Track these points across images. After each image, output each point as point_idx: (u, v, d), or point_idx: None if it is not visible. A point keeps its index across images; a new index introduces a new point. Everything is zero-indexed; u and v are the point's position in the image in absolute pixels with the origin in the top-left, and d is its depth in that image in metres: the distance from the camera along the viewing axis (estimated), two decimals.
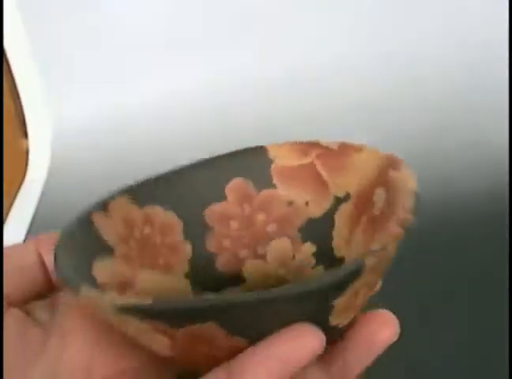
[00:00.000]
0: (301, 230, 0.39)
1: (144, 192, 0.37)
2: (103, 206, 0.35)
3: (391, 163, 0.36)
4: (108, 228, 0.34)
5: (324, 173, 0.38)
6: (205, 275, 0.37)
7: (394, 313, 0.31)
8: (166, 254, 0.37)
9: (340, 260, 0.37)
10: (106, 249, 0.34)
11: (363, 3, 0.68)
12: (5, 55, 0.95)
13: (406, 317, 0.58)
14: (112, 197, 0.36)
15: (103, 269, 0.33)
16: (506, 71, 0.56)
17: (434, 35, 0.61)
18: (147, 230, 0.36)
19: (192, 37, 0.87)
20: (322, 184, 0.38)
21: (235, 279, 0.38)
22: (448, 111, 0.58)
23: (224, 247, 0.38)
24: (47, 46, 0.88)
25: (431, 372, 0.57)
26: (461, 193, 0.57)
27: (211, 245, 0.38)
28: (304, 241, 0.38)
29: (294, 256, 0.39)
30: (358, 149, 0.37)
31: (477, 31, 0.54)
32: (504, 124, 0.56)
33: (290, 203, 0.38)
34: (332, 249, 0.38)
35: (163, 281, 0.36)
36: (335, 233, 0.38)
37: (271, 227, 0.39)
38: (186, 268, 0.37)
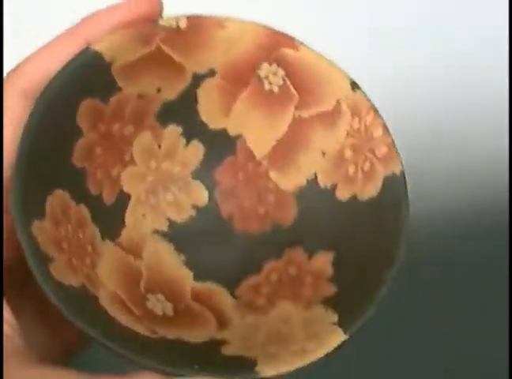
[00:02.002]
0: (158, 115, 0.37)
1: None
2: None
3: (281, 42, 0.37)
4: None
5: (175, 55, 0.36)
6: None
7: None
8: None
9: (220, 131, 0.38)
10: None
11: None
12: None
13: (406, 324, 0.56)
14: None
15: None
16: (506, 71, 0.54)
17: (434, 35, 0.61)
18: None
19: None
20: (174, 65, 0.36)
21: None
22: (447, 112, 0.56)
23: (98, 180, 0.36)
24: None
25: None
26: (459, 198, 0.53)
27: (91, 186, 0.36)
28: (165, 125, 0.38)
29: (160, 145, 0.38)
30: (220, 25, 0.36)
31: (477, 31, 0.52)
32: (504, 124, 0.54)
33: (140, 96, 0.36)
34: (203, 123, 0.38)
35: None
36: (201, 108, 0.38)
37: (128, 130, 0.37)
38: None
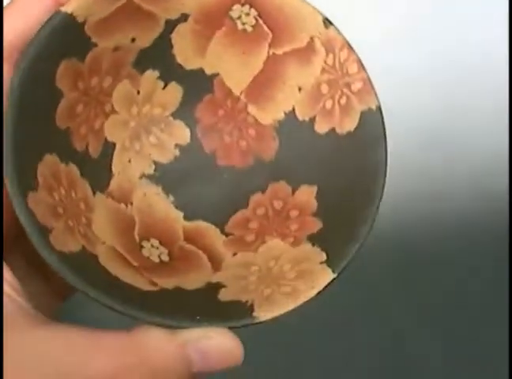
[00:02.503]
0: (134, 63, 0.38)
1: None
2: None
3: None
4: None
5: (146, 4, 0.36)
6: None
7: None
8: None
9: (196, 71, 0.39)
10: None
11: None
12: None
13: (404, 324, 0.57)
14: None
15: None
16: (506, 71, 0.53)
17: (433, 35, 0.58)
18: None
19: None
20: (146, 15, 0.36)
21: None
22: (446, 112, 0.55)
23: (82, 136, 0.37)
24: None
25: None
26: (459, 198, 0.53)
27: (76, 143, 0.36)
28: (142, 71, 0.38)
29: (138, 91, 0.39)
30: None
31: (477, 31, 0.50)
32: (504, 124, 0.53)
33: (116, 49, 0.36)
34: (179, 65, 0.39)
35: None
36: (176, 51, 0.38)
37: (106, 82, 0.37)
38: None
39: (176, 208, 0.39)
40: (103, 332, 0.31)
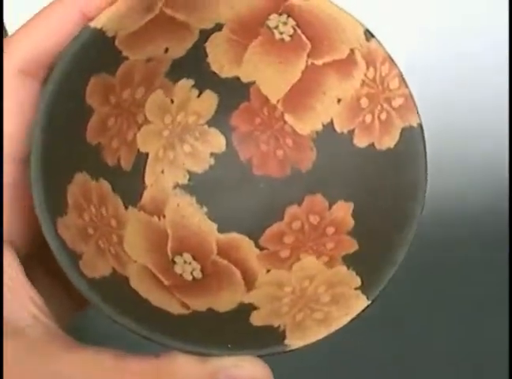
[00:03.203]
0: (168, 73, 0.37)
1: None
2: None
3: None
4: None
5: (179, 15, 0.35)
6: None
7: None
8: None
9: (232, 79, 0.38)
10: None
11: None
12: None
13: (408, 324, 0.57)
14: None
15: None
16: (506, 71, 0.51)
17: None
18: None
19: None
20: (179, 26, 0.35)
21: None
22: (446, 112, 0.54)
23: (114, 150, 0.36)
24: None
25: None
26: (459, 198, 0.53)
27: (108, 158, 0.36)
28: (176, 80, 0.37)
29: (172, 100, 0.38)
30: None
31: (477, 31, 0.49)
32: (504, 123, 0.52)
33: (148, 60, 0.35)
34: (214, 73, 0.37)
35: None
36: (211, 60, 0.37)
37: (139, 94, 0.36)
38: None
39: (210, 219, 0.38)
40: (131, 356, 0.31)
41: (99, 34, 0.33)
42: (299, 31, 0.36)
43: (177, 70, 0.36)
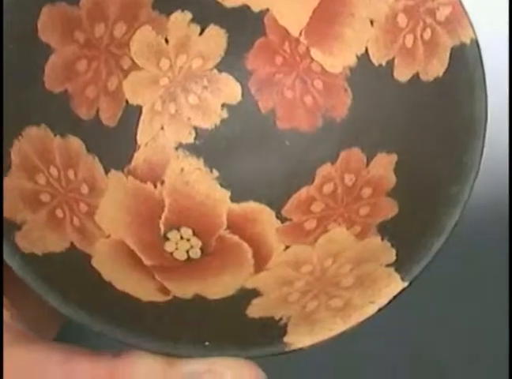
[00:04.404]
0: (155, 4, 0.29)
1: None
2: None
3: None
4: None
5: None
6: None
7: None
8: None
9: (240, 9, 0.30)
10: None
11: None
12: None
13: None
14: None
15: None
16: (507, 71, 0.45)
17: None
18: None
19: None
20: None
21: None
22: None
23: (89, 100, 0.29)
24: None
25: None
26: None
27: (80, 110, 0.29)
28: (168, 13, 0.30)
29: (167, 39, 0.30)
30: None
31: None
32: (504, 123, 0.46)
33: None
34: (217, 2, 0.30)
35: None
36: None
37: (118, 30, 0.29)
38: None
39: (221, 186, 0.30)
40: (86, 354, 0.24)
41: None
42: None
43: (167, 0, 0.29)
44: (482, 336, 0.52)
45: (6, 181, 0.25)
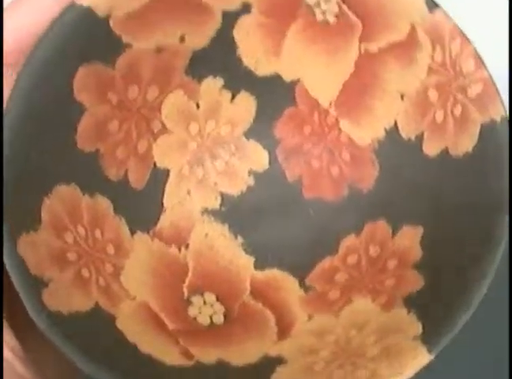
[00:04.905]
0: (189, 70, 0.30)
1: None
2: None
3: None
4: None
5: None
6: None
7: None
8: None
9: (272, 78, 0.30)
10: None
11: None
12: None
13: None
14: None
15: None
16: (506, 71, 0.46)
17: None
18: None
19: None
20: (195, 5, 0.28)
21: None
22: None
23: (119, 161, 0.29)
24: None
25: None
26: None
27: (109, 170, 0.29)
28: (200, 79, 0.30)
29: (198, 104, 0.31)
30: None
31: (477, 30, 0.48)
32: None
33: (158, 50, 0.28)
34: (249, 70, 0.30)
35: None
36: (243, 53, 0.30)
37: (151, 94, 0.29)
38: None
39: (246, 252, 0.30)
40: None
41: (88, 13, 0.26)
42: (345, 8, 0.28)
43: (200, 65, 0.30)
44: (482, 336, 0.51)
45: (35, 237, 0.25)
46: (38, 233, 0.25)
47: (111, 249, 0.28)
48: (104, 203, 0.28)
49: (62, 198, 0.26)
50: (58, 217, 0.26)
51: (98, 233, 0.28)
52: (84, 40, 0.26)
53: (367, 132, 0.30)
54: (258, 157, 0.31)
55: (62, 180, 0.27)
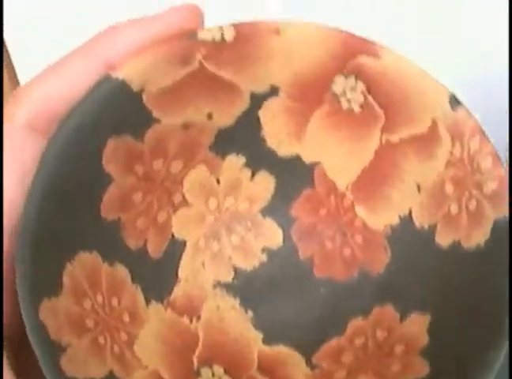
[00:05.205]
0: (213, 146, 0.31)
1: None
2: None
3: (357, 47, 0.28)
4: None
5: (224, 73, 0.29)
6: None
7: None
8: None
9: (292, 159, 0.31)
10: None
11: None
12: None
13: None
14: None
15: None
16: (506, 70, 0.48)
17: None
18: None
19: None
20: (224, 86, 0.29)
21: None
22: None
23: (140, 231, 0.30)
24: None
25: None
26: None
27: (130, 239, 0.29)
28: (223, 156, 0.31)
29: (218, 179, 0.32)
30: (276, 31, 0.28)
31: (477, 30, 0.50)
32: (504, 123, 0.49)
33: (186, 127, 0.29)
34: (271, 151, 0.31)
35: None
36: (267, 133, 0.31)
37: (175, 167, 0.30)
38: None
39: (255, 327, 0.31)
40: None
41: (122, 86, 0.27)
42: (370, 99, 0.29)
43: (224, 143, 0.30)
44: None
45: (56, 303, 0.25)
46: (59, 299, 0.26)
47: (126, 318, 0.28)
48: (123, 271, 0.29)
49: (83, 265, 0.27)
50: (79, 284, 0.27)
51: (115, 301, 0.28)
52: (117, 113, 0.27)
53: (381, 218, 0.31)
54: (273, 235, 0.32)
55: (84, 247, 0.27)
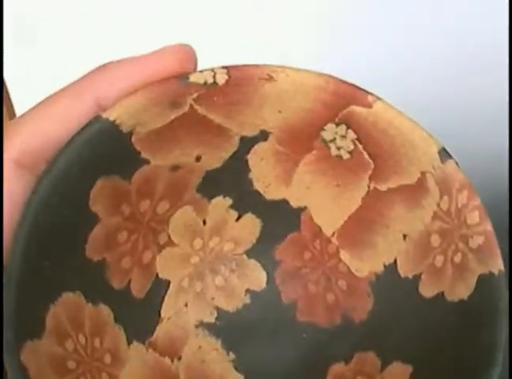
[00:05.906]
0: (200, 188, 0.31)
1: None
2: None
3: (349, 96, 0.28)
4: None
5: (214, 116, 0.28)
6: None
7: None
8: None
9: (279, 203, 0.31)
10: None
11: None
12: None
13: None
14: None
15: None
16: (506, 70, 0.49)
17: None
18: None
19: None
20: (214, 129, 0.29)
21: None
22: (445, 112, 0.51)
23: (124, 270, 0.30)
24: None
25: None
26: None
27: (114, 279, 0.29)
28: (210, 197, 0.31)
29: (204, 220, 0.31)
30: (268, 76, 0.28)
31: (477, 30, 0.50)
32: (504, 123, 0.49)
33: (174, 168, 0.29)
34: (258, 193, 0.31)
35: None
36: (254, 177, 0.31)
37: (162, 208, 0.30)
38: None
39: (236, 369, 0.31)
40: None
41: (112, 127, 0.27)
42: (360, 147, 0.29)
43: (211, 185, 0.30)
44: None
45: (38, 345, 0.25)
46: (42, 340, 0.25)
47: (108, 359, 0.28)
48: (106, 311, 0.29)
49: (66, 306, 0.27)
50: (61, 325, 0.26)
51: (97, 342, 0.28)
52: (106, 153, 0.27)
53: (365, 265, 0.31)
54: (256, 277, 0.32)
55: (69, 288, 0.27)
